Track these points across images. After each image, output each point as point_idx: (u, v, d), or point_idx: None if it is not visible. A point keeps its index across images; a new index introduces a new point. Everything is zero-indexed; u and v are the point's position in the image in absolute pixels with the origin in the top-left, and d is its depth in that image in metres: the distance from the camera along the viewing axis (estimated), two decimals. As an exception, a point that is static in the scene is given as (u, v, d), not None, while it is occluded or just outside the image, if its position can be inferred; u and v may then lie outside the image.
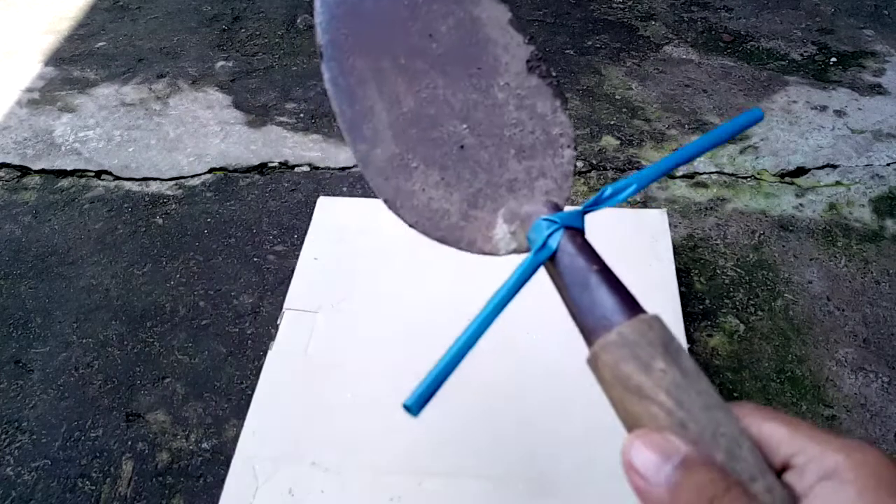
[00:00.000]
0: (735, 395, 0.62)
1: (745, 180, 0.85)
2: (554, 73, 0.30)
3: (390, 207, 0.28)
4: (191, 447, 0.60)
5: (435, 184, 0.28)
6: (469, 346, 0.25)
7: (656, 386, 0.20)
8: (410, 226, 0.28)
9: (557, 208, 0.27)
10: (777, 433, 0.19)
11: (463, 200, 0.28)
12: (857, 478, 0.17)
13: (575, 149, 0.29)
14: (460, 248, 0.28)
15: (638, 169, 0.86)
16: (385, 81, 0.28)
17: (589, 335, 0.23)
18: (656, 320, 0.22)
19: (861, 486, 0.17)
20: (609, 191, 0.27)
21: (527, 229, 0.27)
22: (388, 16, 0.29)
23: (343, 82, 0.28)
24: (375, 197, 0.28)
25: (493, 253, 0.28)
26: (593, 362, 0.22)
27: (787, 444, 0.19)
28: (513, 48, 0.30)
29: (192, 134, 0.94)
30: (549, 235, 0.25)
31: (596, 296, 0.23)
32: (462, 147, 0.28)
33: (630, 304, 0.23)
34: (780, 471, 0.19)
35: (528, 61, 0.29)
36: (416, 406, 0.24)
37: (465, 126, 0.29)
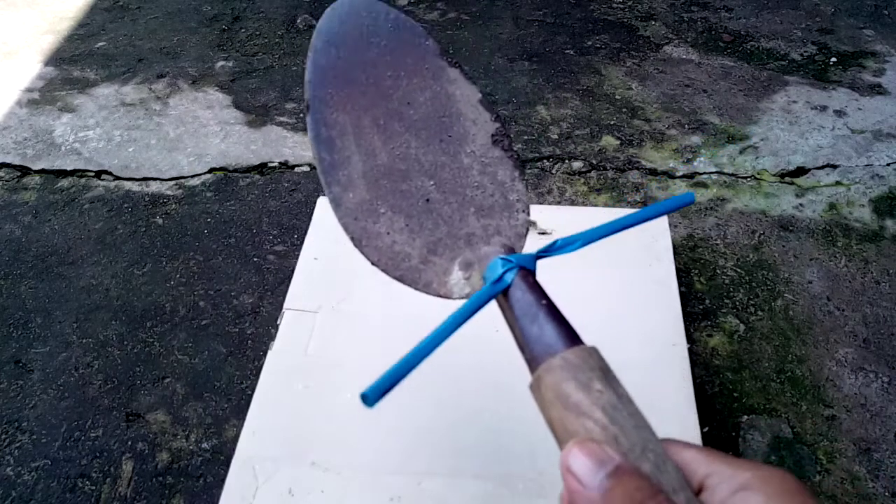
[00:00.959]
0: (735, 395, 0.62)
1: (745, 180, 0.85)
2: (514, 148, 0.33)
3: (356, 246, 0.31)
4: (191, 447, 0.60)
5: (400, 229, 0.31)
6: (424, 356, 0.27)
7: (593, 404, 0.22)
8: (373, 264, 0.31)
9: (512, 251, 0.31)
10: (695, 459, 0.21)
11: (424, 247, 0.31)
12: (765, 487, 0.19)
13: (528, 214, 0.32)
14: (417, 289, 0.31)
15: (639, 168, 0.86)
16: (363, 136, 0.32)
17: (533, 362, 0.25)
18: (595, 350, 0.25)
19: (769, 494, 0.19)
20: (560, 243, 0.30)
21: (483, 270, 0.30)
22: (372, 83, 0.33)
23: (325, 133, 0.32)
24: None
25: (447, 296, 0.31)
26: (536, 385, 0.25)
27: (703, 467, 0.21)
28: (481, 122, 0.34)
29: (192, 134, 0.94)
30: (506, 272, 0.28)
31: (543, 327, 0.26)
32: (428, 200, 0.32)
33: (572, 336, 0.26)
34: (696, 492, 0.21)
35: (493, 135, 0.33)
36: (372, 397, 0.26)
37: (432, 182, 0.32)
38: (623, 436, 0.21)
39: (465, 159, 0.33)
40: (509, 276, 0.28)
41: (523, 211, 0.32)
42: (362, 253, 0.31)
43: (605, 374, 0.24)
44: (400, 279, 0.31)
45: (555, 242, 0.30)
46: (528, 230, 0.32)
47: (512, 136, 0.92)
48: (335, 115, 0.32)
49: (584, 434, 0.22)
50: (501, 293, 0.28)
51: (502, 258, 0.29)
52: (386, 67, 0.34)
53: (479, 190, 0.32)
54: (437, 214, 0.32)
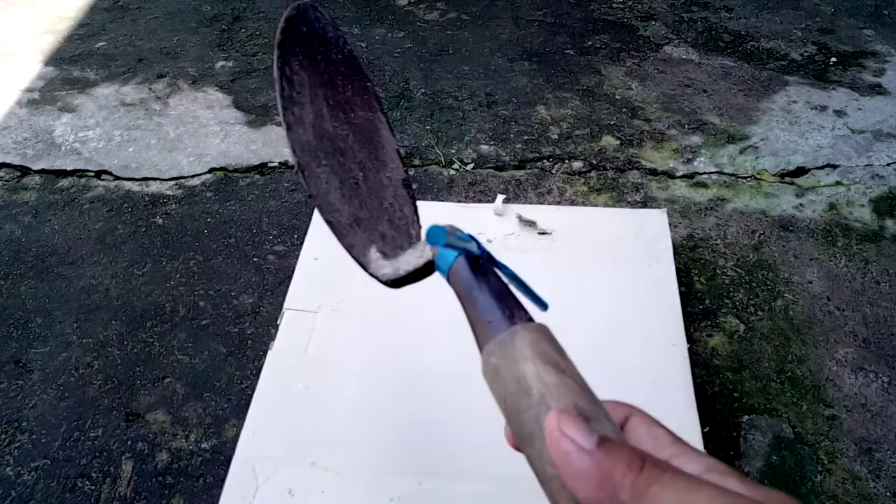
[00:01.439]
0: (735, 395, 0.62)
1: (745, 180, 0.85)
2: (414, 195, 0.38)
3: (300, 173, 0.34)
4: (190, 447, 0.60)
5: (335, 188, 0.35)
6: None
7: (569, 364, 0.23)
8: (310, 196, 0.34)
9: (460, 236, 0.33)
10: (663, 437, 0.21)
11: (351, 215, 0.35)
12: (730, 471, 0.19)
13: (421, 247, 0.34)
14: (342, 244, 0.34)
15: (639, 169, 0.86)
16: (316, 99, 0.37)
17: (482, 334, 0.25)
18: (547, 331, 0.25)
19: (740, 477, 0.18)
20: (505, 270, 0.30)
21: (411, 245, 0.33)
22: (327, 73, 0.38)
23: (288, 72, 0.36)
24: None
25: (365, 267, 0.34)
26: (505, 345, 0.24)
27: (669, 447, 0.21)
28: (396, 165, 0.39)
29: (192, 134, 0.94)
30: (466, 243, 0.29)
31: (510, 296, 0.26)
32: (357, 184, 0.36)
33: (516, 311, 0.25)
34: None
35: (403, 180, 0.38)
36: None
37: (361, 174, 0.37)
38: (587, 410, 0.21)
39: (383, 179, 0.38)
40: (471, 247, 0.29)
41: (416, 244, 0.36)
42: (304, 182, 0.34)
43: (560, 351, 0.24)
44: (329, 223, 0.34)
45: (505, 271, 0.31)
46: (421, 263, 0.34)
47: (512, 135, 0.92)
48: (298, 67, 0.36)
49: (566, 389, 0.21)
50: (469, 265, 0.28)
51: (467, 235, 0.30)
52: (338, 73, 0.38)
53: (392, 209, 0.37)
54: (362, 200, 0.36)
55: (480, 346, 0.25)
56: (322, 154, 0.36)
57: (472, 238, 0.29)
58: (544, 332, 0.24)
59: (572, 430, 0.19)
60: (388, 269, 0.34)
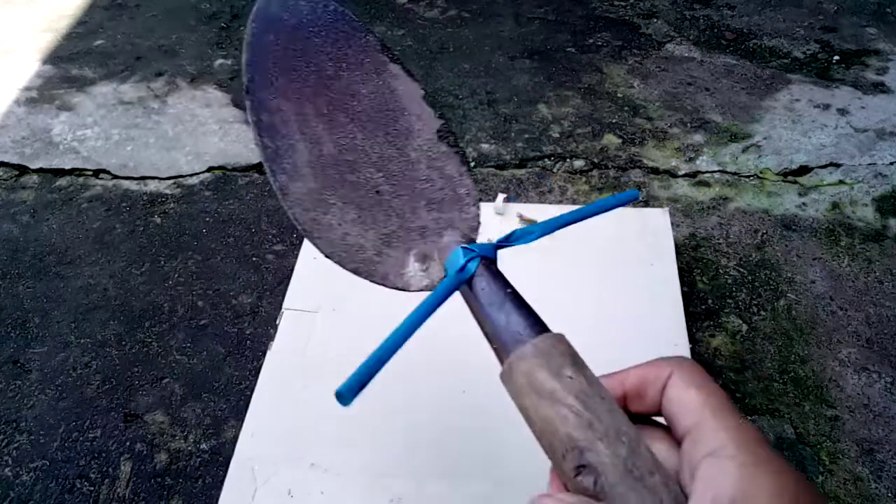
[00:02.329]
0: (738, 395, 0.62)
1: (747, 179, 0.84)
2: (460, 144, 0.33)
3: (307, 237, 0.30)
4: (189, 448, 0.59)
5: (351, 221, 0.31)
6: (393, 350, 0.27)
7: (566, 391, 0.22)
8: (326, 256, 0.30)
9: (472, 241, 0.30)
10: (690, 401, 0.21)
11: (377, 239, 0.31)
12: (740, 454, 0.19)
13: (479, 208, 0.32)
14: (374, 282, 0.30)
15: (641, 167, 0.86)
16: (307, 125, 0.31)
17: (503, 350, 0.25)
18: (563, 337, 0.25)
19: (741, 462, 0.19)
20: (518, 233, 0.30)
21: (443, 260, 0.29)
22: (314, 71, 0.33)
23: (266, 118, 0.31)
24: None
25: (405, 288, 0.30)
26: (507, 373, 0.25)
27: (693, 414, 0.21)
28: (425, 118, 0.33)
29: (190, 132, 0.94)
30: (468, 261, 0.28)
31: (510, 315, 0.26)
32: (378, 192, 0.31)
33: (539, 323, 0.26)
34: (681, 438, 0.21)
35: (438, 131, 0.33)
36: (347, 395, 0.26)
37: (380, 175, 0.32)
38: (597, 421, 0.22)
39: (411, 153, 0.32)
40: (472, 266, 0.27)
41: (474, 205, 0.32)
42: (314, 245, 0.30)
43: (575, 359, 0.24)
44: (355, 272, 0.30)
45: (513, 233, 0.29)
46: (479, 224, 0.31)
47: (513, 133, 0.92)
48: (276, 101, 0.31)
49: (559, 421, 0.22)
50: (465, 283, 0.28)
51: (463, 247, 0.28)
52: (327, 58, 0.33)
53: (429, 184, 0.32)
54: (389, 206, 0.31)
55: (501, 356, 0.25)
56: (329, 193, 0.31)
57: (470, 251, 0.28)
58: (545, 350, 0.24)
59: None
60: (426, 280, 0.31)
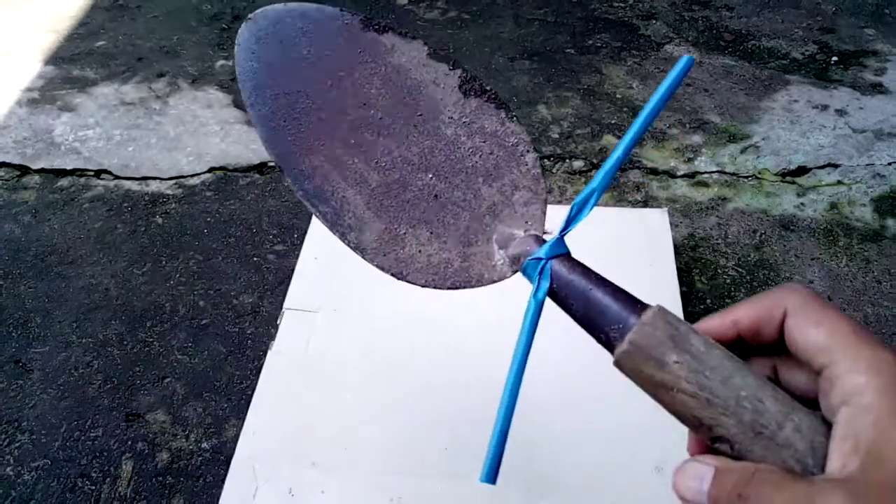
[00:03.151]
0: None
1: (746, 179, 0.85)
2: (488, 87, 0.30)
3: (399, 279, 0.29)
4: (191, 447, 0.59)
5: (427, 240, 0.29)
6: (513, 404, 0.26)
7: (676, 378, 0.22)
8: (423, 287, 0.29)
9: (539, 241, 0.28)
10: (816, 341, 0.21)
11: (458, 244, 0.29)
12: (876, 402, 0.18)
13: (535, 150, 0.30)
14: (472, 287, 0.29)
15: (640, 168, 0.86)
16: (344, 167, 0.29)
17: (607, 345, 0.25)
18: (658, 316, 0.24)
19: (878, 415, 0.18)
20: (575, 209, 0.28)
21: (519, 251, 0.28)
22: (319, 103, 0.30)
23: (310, 186, 0.29)
24: None
25: (501, 278, 0.29)
26: (618, 368, 0.24)
27: (822, 354, 0.20)
28: (441, 80, 0.31)
29: (191, 133, 0.94)
30: (540, 276, 0.26)
31: (600, 308, 0.25)
32: (436, 196, 0.30)
33: (632, 306, 0.25)
34: (816, 372, 0.21)
35: (460, 87, 0.30)
36: (490, 477, 0.25)
37: (430, 175, 0.30)
38: (713, 396, 0.22)
39: (447, 131, 0.30)
40: (545, 279, 0.26)
41: (528, 151, 0.30)
42: (409, 283, 0.29)
43: (676, 339, 0.23)
44: (453, 287, 0.29)
45: (571, 209, 0.27)
46: (542, 168, 0.29)
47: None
48: (307, 162, 0.29)
49: (680, 407, 0.22)
50: (546, 297, 0.27)
51: (533, 259, 0.27)
52: (323, 77, 0.30)
53: (477, 154, 0.30)
54: (453, 204, 0.29)
55: (609, 348, 0.25)
56: (397, 224, 0.29)
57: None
58: (643, 344, 0.23)
59: (687, 491, 0.21)
60: (516, 259, 0.28)
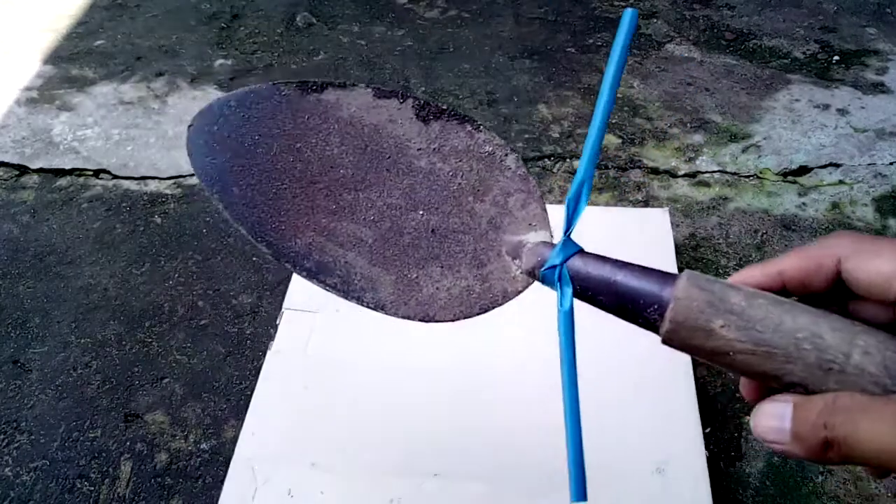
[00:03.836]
0: (737, 395, 0.62)
1: (747, 179, 0.84)
2: (444, 107, 0.30)
3: (428, 322, 0.28)
4: (189, 448, 0.59)
5: (441, 275, 0.28)
6: (577, 417, 0.25)
7: (728, 341, 0.22)
8: (452, 321, 0.28)
9: (549, 245, 0.28)
10: (885, 269, 0.20)
11: (471, 268, 0.28)
12: None
13: (513, 150, 0.29)
14: (501, 304, 0.28)
15: (641, 167, 0.86)
16: (335, 234, 0.29)
17: (650, 328, 0.24)
18: (691, 285, 0.23)
19: None
20: (572, 205, 0.27)
21: (533, 263, 0.28)
22: (289, 182, 0.29)
23: (310, 264, 0.29)
24: None
25: (526, 287, 0.28)
26: (669, 346, 0.24)
27: (894, 278, 0.20)
28: (396, 115, 0.30)
29: (191, 132, 0.94)
30: (560, 282, 0.26)
31: (630, 295, 0.24)
32: (433, 231, 0.29)
33: (661, 282, 0.24)
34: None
35: (417, 115, 0.30)
36: (579, 495, 0.24)
37: (421, 212, 0.29)
38: (772, 347, 0.21)
39: (420, 163, 0.29)
40: (567, 287, 0.26)
41: (507, 155, 0.29)
42: (439, 322, 0.28)
43: (715, 304, 0.22)
44: (483, 311, 0.28)
45: (568, 205, 0.27)
46: (525, 166, 0.29)
47: (513, 133, 0.92)
48: (299, 242, 0.29)
49: (743, 366, 0.22)
50: (574, 298, 0.26)
51: (547, 269, 0.26)
52: (282, 155, 0.29)
53: (458, 175, 0.29)
54: (452, 232, 0.29)
55: (654, 330, 0.24)
56: (407, 270, 0.28)
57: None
58: (683, 320, 0.22)
59: (768, 432, 0.21)
60: (531, 265, 0.28)
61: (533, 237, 0.28)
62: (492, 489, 0.46)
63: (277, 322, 0.57)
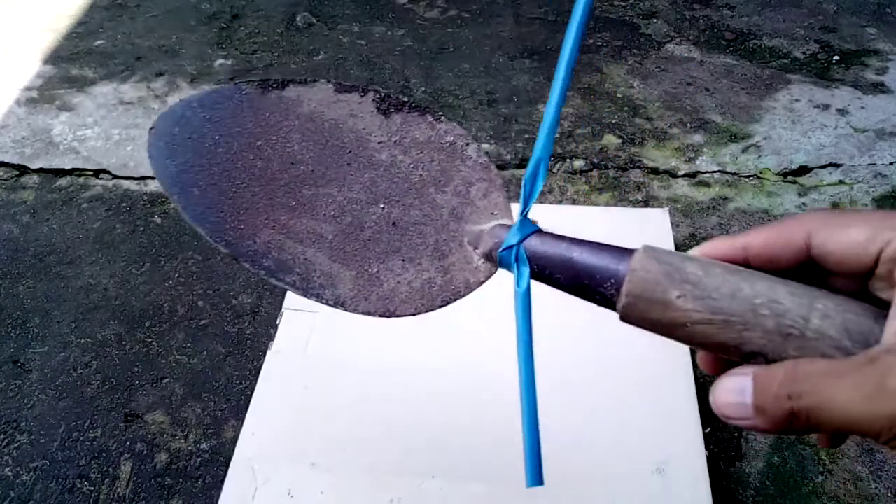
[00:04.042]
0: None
1: (747, 179, 0.84)
2: (405, 99, 0.30)
3: (389, 317, 0.28)
4: (189, 448, 0.59)
5: (402, 268, 0.28)
6: (533, 401, 0.25)
7: (684, 312, 0.21)
8: (413, 315, 0.28)
9: (505, 228, 0.28)
10: (856, 238, 0.20)
11: (433, 260, 0.28)
12: None
13: (475, 140, 0.29)
14: (463, 296, 0.28)
15: (641, 167, 0.86)
16: (295, 231, 0.28)
17: (607, 304, 0.24)
18: (646, 257, 0.22)
19: None
20: (529, 185, 0.27)
21: (490, 245, 0.28)
22: (249, 180, 0.29)
23: (269, 263, 0.28)
24: None
25: (488, 276, 0.28)
26: (626, 322, 0.23)
27: (869, 244, 0.19)
28: (357, 109, 0.30)
29: (191, 132, 0.94)
30: (517, 262, 0.26)
31: (587, 271, 0.24)
32: (394, 224, 0.29)
33: (618, 257, 0.23)
34: (868, 268, 0.20)
35: (378, 109, 0.30)
36: (534, 479, 0.24)
37: (381, 206, 0.29)
38: (729, 316, 0.20)
39: (381, 156, 0.29)
40: (524, 268, 0.25)
41: (468, 144, 0.29)
42: (399, 317, 0.28)
43: (671, 274, 0.22)
44: (445, 304, 0.28)
45: (524, 186, 0.27)
46: (486, 156, 0.29)
47: (513, 133, 0.92)
48: (258, 240, 0.28)
49: (701, 337, 0.21)
50: (531, 279, 0.26)
51: (504, 250, 0.26)
52: (243, 154, 0.29)
53: (419, 167, 0.29)
54: (414, 224, 0.29)
55: (611, 307, 0.24)
56: (368, 264, 0.28)
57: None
58: (639, 292, 0.22)
59: (728, 408, 0.20)
60: (493, 255, 0.27)
61: (491, 224, 0.28)
62: (492, 489, 0.46)
63: (277, 322, 0.57)
